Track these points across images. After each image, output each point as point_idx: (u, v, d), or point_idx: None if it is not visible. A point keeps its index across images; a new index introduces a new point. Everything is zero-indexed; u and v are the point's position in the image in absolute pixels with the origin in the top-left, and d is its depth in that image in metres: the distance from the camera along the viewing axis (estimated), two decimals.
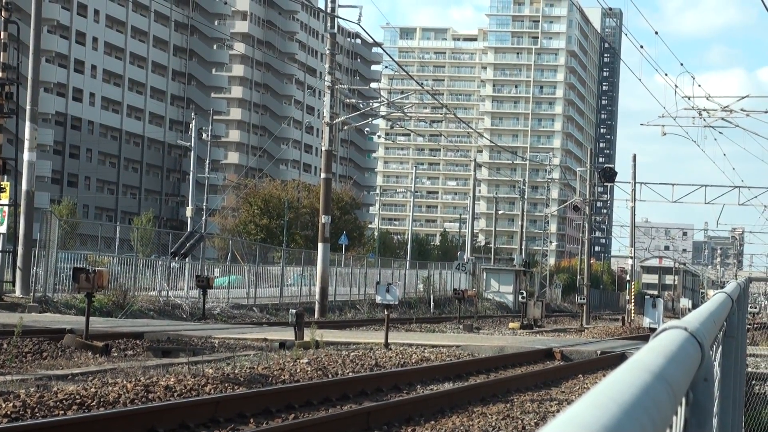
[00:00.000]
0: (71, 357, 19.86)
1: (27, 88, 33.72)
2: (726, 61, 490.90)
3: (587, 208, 69.19)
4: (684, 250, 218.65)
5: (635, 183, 60.90)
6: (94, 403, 13.18)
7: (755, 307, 46.19)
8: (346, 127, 49.85)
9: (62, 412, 12.62)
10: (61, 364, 18.70)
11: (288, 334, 24.91)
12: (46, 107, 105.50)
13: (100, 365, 18.55)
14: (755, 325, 40.26)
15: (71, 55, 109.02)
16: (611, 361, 23.35)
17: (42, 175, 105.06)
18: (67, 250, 37.54)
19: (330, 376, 17.96)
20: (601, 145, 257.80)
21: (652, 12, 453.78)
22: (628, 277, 63.81)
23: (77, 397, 13.31)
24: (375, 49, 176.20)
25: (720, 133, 43.74)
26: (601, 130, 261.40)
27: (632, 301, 59.42)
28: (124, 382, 14.72)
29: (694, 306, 63.43)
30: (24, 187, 33.17)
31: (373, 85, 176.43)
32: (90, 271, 21.80)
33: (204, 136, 73.23)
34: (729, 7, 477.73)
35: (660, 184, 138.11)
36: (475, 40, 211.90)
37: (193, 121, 72.39)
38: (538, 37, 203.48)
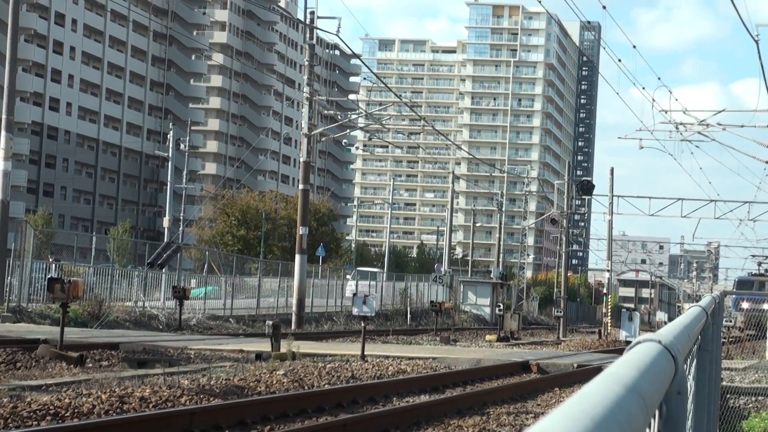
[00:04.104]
0: (45, 367, 19.74)
1: (3, 97, 33.58)
2: (700, 75, 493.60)
3: (565, 221, 69.32)
4: (660, 264, 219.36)
5: (612, 196, 61.08)
6: (68, 414, 13.10)
7: (730, 321, 46.43)
8: (324, 139, 49.81)
9: (36, 422, 12.54)
10: (35, 374, 18.59)
11: (264, 346, 24.84)
12: (23, 116, 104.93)
13: (74, 376, 18.44)
14: (730, 339, 40.44)
15: (48, 64, 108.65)
16: (588, 374, 23.37)
17: (17, 185, 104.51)
18: (42, 260, 37.34)
19: (306, 387, 17.92)
20: (579, 158, 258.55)
21: (625, 26, 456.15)
22: (605, 290, 63.93)
23: (51, 407, 13.24)
24: (353, 61, 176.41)
25: (696, 146, 43.91)
26: (579, 143, 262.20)
27: (609, 314, 59.53)
28: (99, 393, 14.64)
29: (670, 319, 63.65)
30: None
31: (352, 96, 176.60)
32: (65, 281, 21.69)
33: (182, 146, 72.99)
34: (702, 20, 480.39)
35: (637, 197, 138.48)
36: (454, 52, 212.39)
37: (171, 132, 72.15)
38: (516, 50, 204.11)
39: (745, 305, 54.73)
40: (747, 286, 63.51)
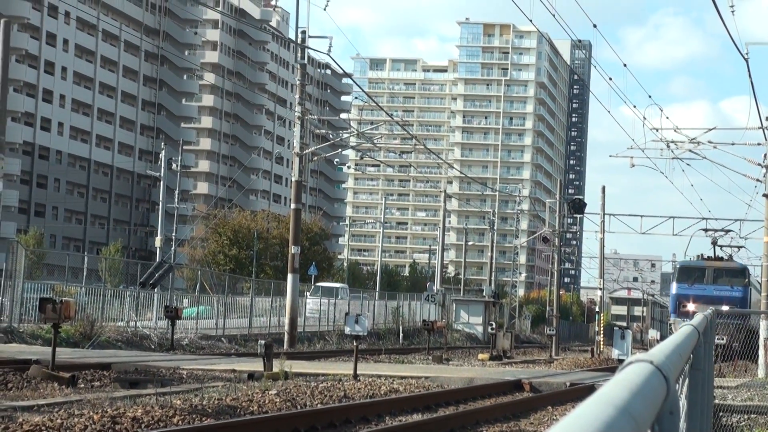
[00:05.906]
0: (37, 388, 19.68)
1: None
2: (689, 93, 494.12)
3: (556, 239, 69.40)
4: (652, 282, 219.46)
5: (604, 214, 61.16)
6: None
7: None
8: (315, 158, 49.86)
9: None
10: (26, 395, 18.53)
11: (257, 365, 24.79)
12: (14, 137, 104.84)
13: (66, 396, 18.39)
14: (722, 357, 40.34)
15: (39, 84, 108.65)
16: (580, 392, 23.34)
17: (9, 205, 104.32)
18: (33, 280, 37.26)
19: (298, 407, 17.88)
20: (571, 176, 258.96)
21: (614, 43, 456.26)
22: (597, 309, 63.94)
23: (43, 428, 13.19)
24: (345, 80, 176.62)
25: (687, 164, 43.85)
26: (571, 162, 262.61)
27: (601, 332, 59.53)
28: (91, 414, 14.59)
29: (663, 337, 63.41)
30: None
31: (343, 115, 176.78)
32: (57, 302, 21.64)
33: (173, 166, 72.98)
34: (691, 39, 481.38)
35: (629, 215, 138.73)
36: (445, 71, 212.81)
37: (163, 151, 72.18)
38: (507, 69, 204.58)
39: (690, 307, 41.67)
40: (696, 277, 48.47)
